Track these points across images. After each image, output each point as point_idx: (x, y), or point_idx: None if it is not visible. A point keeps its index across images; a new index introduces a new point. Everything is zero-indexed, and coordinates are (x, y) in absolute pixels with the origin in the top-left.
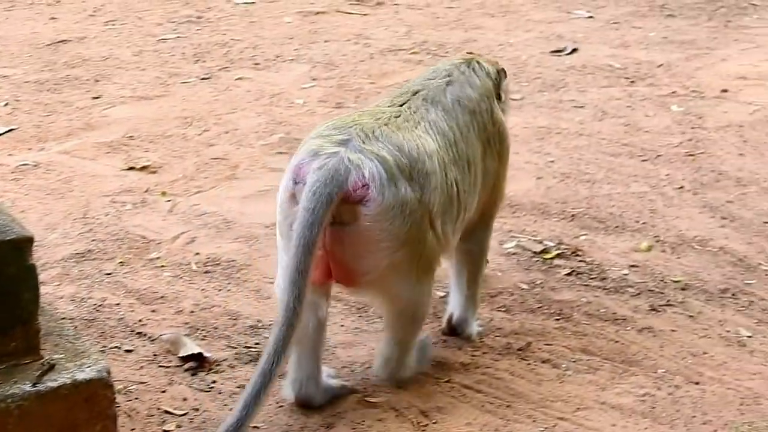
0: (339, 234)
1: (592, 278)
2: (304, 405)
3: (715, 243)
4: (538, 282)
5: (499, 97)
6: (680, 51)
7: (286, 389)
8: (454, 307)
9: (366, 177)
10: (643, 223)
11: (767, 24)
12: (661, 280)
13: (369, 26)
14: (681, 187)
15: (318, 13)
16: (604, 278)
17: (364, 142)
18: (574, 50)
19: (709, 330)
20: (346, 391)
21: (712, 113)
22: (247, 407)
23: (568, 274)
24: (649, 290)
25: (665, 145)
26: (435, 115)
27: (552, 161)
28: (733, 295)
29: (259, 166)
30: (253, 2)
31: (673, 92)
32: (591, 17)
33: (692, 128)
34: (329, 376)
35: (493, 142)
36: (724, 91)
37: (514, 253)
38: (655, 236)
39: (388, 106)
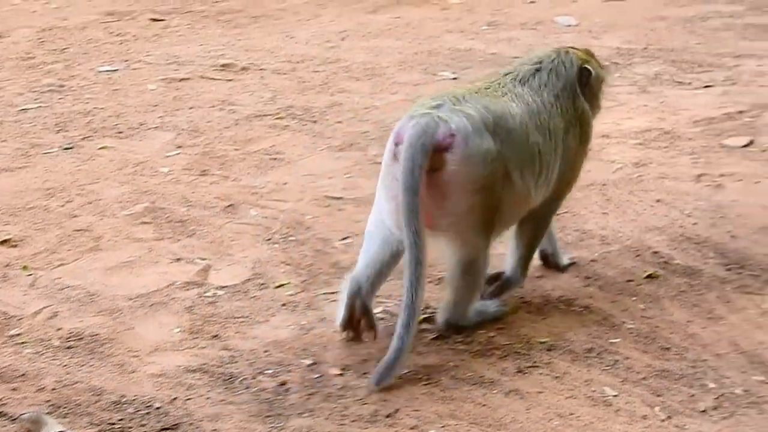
0: (430, 180)
1: (459, 342)
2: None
3: (580, 302)
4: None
5: (583, 93)
6: None
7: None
8: (506, 266)
9: (453, 128)
10: None
11: (628, 82)
12: (528, 341)
13: (234, 92)
14: (544, 248)
15: (182, 79)
16: (471, 341)
17: (454, 104)
18: None
19: (575, 390)
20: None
21: None
22: (402, 339)
23: (436, 338)
24: (516, 352)
25: None
26: (521, 90)
27: None
28: (598, 354)
29: (122, 237)
30: (116, 70)
31: None
32: (456, 78)
33: None
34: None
35: (575, 124)
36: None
37: (381, 319)
38: (521, 297)
39: (481, 82)
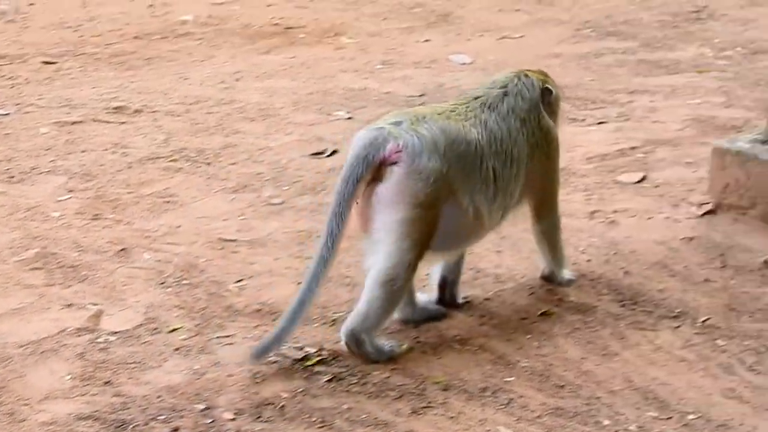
0: (373, 189)
1: (353, 383)
2: (404, 322)
3: (475, 341)
4: (300, 390)
5: (547, 110)
6: None
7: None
8: (544, 265)
9: (400, 144)
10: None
11: None
12: (423, 381)
13: (127, 135)
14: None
15: (75, 122)
16: (366, 383)
17: (412, 123)
18: (335, 152)
19: (470, 430)
20: (440, 312)
21: None
22: (289, 320)
23: (330, 380)
24: (411, 392)
25: None
26: (487, 116)
27: None
28: (493, 393)
29: (13, 283)
30: (7, 114)
31: None
32: (350, 118)
33: None
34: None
35: (542, 145)
36: None
37: (275, 362)
38: (415, 337)
39: (450, 104)
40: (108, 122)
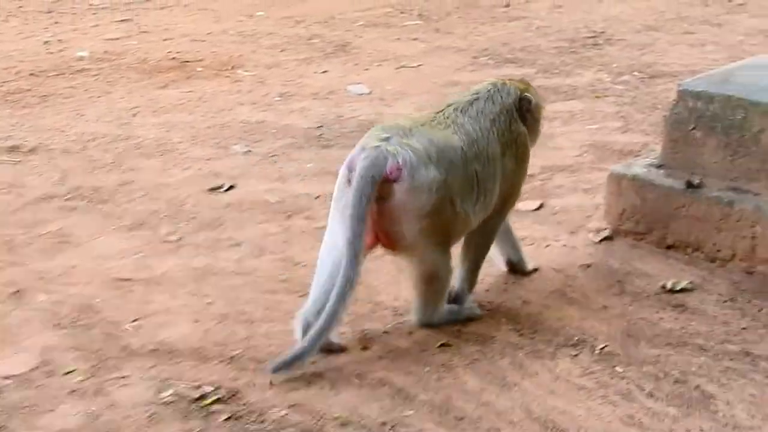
0: (381, 208)
1: (251, 422)
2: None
3: (374, 375)
4: (197, 430)
5: (524, 119)
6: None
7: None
8: (456, 280)
9: (400, 162)
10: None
11: None
12: (321, 418)
13: (22, 174)
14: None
15: None
16: (263, 420)
17: (401, 138)
18: (231, 187)
19: None
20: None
21: None
22: (313, 340)
23: (227, 419)
24: (309, 429)
25: None
26: (462, 120)
27: (209, 303)
28: (392, 427)
29: None
30: None
31: None
32: (249, 152)
33: None
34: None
35: (512, 146)
36: None
37: (171, 402)
38: (313, 373)
39: (428, 114)
40: (2, 162)
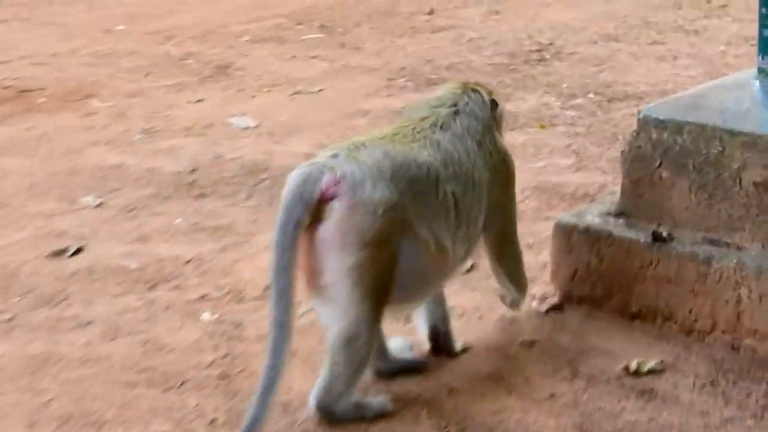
0: (314, 231)
1: None
2: (378, 375)
3: None
4: None
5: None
6: (213, 240)
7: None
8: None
9: (338, 176)
10: None
11: None
12: None
13: None
14: (213, 421)
15: None
16: None
17: (349, 152)
18: (79, 250)
19: None
20: (414, 364)
21: (254, 319)
22: (259, 406)
23: None
24: None
25: (194, 366)
26: (441, 136)
27: (49, 400)
28: None
29: None
30: None
31: (204, 295)
32: (101, 205)
33: (228, 340)
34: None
35: (500, 169)
36: (268, 288)
37: None
38: None
39: (393, 128)
40: None
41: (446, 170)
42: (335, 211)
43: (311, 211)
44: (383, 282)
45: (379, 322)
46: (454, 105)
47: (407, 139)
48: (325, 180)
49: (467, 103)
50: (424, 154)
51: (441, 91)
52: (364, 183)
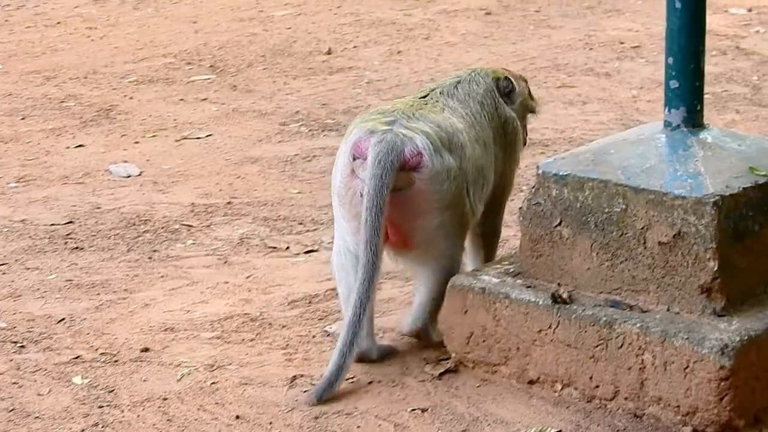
0: (397, 199)
1: None
2: (362, 359)
3: None
4: None
5: (507, 101)
6: (89, 298)
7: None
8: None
9: (419, 146)
10: None
11: (205, 251)
12: None
13: None
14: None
15: None
16: None
17: (408, 121)
18: None
19: None
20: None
21: (128, 383)
22: (344, 355)
23: None
24: None
25: None
26: (453, 103)
27: None
28: None
29: None
30: None
31: (77, 357)
32: None
33: (100, 407)
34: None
35: (501, 133)
36: (146, 350)
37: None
38: None
39: (413, 99)
40: None
41: (470, 134)
42: (420, 180)
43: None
44: (464, 227)
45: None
46: (458, 77)
47: (436, 108)
48: (408, 151)
49: (470, 74)
50: (456, 122)
51: (452, 72)
52: (440, 154)
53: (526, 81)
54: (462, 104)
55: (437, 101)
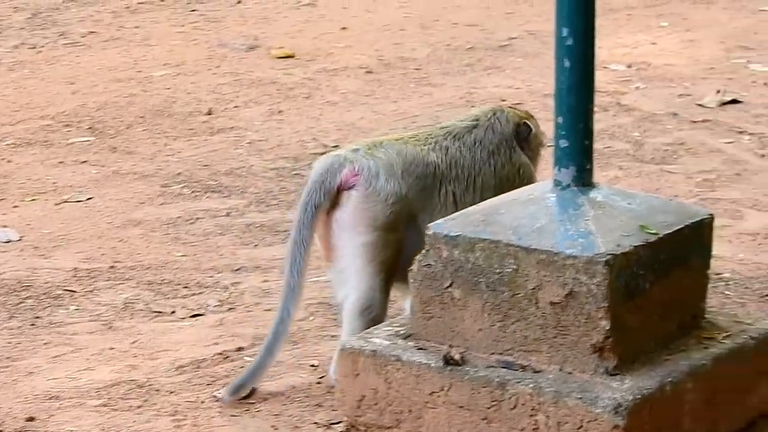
0: (333, 215)
1: None
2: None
3: None
4: None
5: (522, 147)
6: None
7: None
8: None
9: (356, 169)
10: None
11: (89, 317)
12: None
13: None
14: None
15: None
16: None
17: (368, 149)
18: None
19: None
20: None
21: None
22: (262, 357)
23: None
24: None
25: None
26: (450, 143)
27: None
28: None
29: None
30: None
31: None
32: None
33: None
34: None
35: (512, 179)
36: (31, 419)
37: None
38: None
39: (411, 132)
40: None
41: (450, 173)
42: (352, 199)
43: (331, 197)
44: (391, 259)
45: (388, 292)
46: (476, 119)
47: (420, 143)
48: (345, 171)
49: (489, 119)
50: (432, 156)
51: (474, 110)
52: (378, 176)
53: (532, 116)
54: (465, 149)
55: (433, 137)
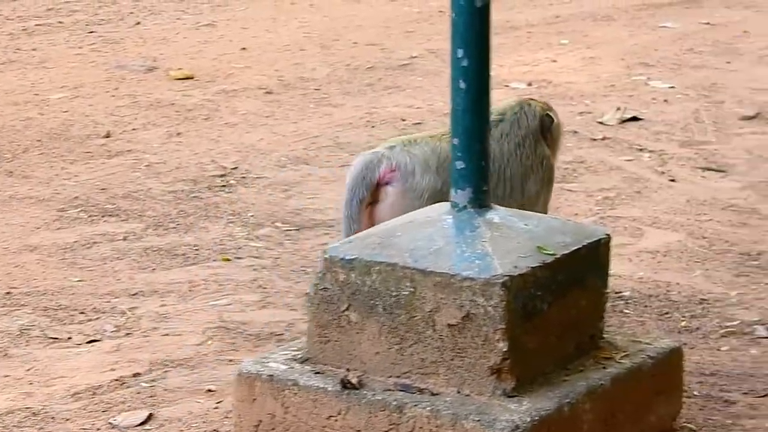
0: (373, 210)
1: None
2: None
3: None
4: None
5: (545, 137)
6: None
7: None
8: None
9: (393, 165)
10: None
11: None
12: None
13: None
14: None
15: None
16: None
17: (404, 146)
18: None
19: None
20: None
21: None
22: None
23: None
24: None
25: None
26: None
27: None
28: None
29: None
30: None
31: None
32: None
33: None
34: None
35: (536, 169)
36: None
37: None
38: None
39: (443, 130)
40: None
41: None
42: (390, 194)
43: (371, 192)
44: None
45: None
46: (503, 114)
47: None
48: (383, 168)
49: (516, 113)
50: None
51: (501, 104)
52: (414, 172)
53: (552, 107)
54: (494, 141)
55: None
